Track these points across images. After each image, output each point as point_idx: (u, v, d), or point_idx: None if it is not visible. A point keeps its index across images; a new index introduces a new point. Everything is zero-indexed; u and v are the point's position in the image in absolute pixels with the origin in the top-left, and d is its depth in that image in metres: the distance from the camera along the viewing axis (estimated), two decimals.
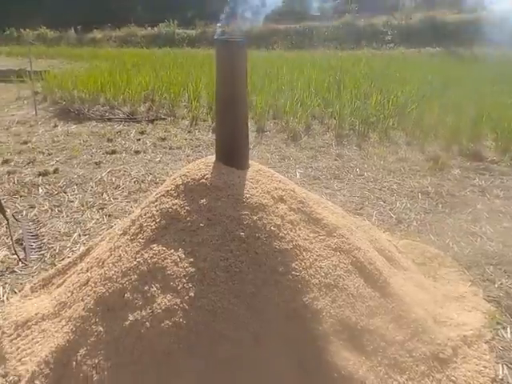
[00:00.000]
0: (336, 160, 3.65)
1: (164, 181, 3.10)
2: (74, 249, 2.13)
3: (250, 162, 1.54)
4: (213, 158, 1.54)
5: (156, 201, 1.50)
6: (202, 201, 1.38)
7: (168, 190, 1.49)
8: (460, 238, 2.27)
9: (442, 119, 4.50)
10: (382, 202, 2.76)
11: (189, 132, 4.67)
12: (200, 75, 7.08)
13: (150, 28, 19.82)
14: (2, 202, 2.13)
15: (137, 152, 3.86)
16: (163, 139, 4.32)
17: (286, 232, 1.33)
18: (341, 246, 1.45)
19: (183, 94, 6.12)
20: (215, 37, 1.33)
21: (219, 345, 1.14)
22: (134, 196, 2.83)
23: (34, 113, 5.34)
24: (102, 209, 2.62)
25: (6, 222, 2.19)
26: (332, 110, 5.11)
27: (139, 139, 4.32)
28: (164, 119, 5.18)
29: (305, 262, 1.30)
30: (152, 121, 5.08)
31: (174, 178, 1.53)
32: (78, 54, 14.74)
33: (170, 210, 1.41)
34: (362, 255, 1.49)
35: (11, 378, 1.30)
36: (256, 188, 1.42)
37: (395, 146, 4.06)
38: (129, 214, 2.53)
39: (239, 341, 1.14)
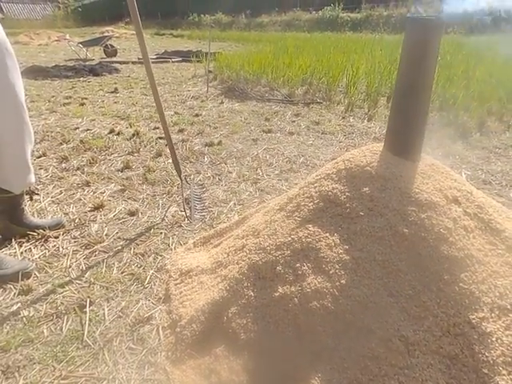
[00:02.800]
0: None
1: (315, 164, 3.13)
2: (230, 215, 2.33)
3: (422, 155, 1.41)
4: (380, 145, 1.45)
5: (315, 182, 1.50)
6: (365, 189, 1.33)
7: (329, 174, 1.48)
8: None
9: None
10: None
11: (343, 118, 4.58)
12: (360, 61, 6.82)
13: (314, 12, 19.94)
14: (179, 163, 2.46)
15: (291, 133, 3.97)
16: (317, 123, 4.33)
17: (457, 238, 1.18)
18: None
19: (341, 79, 6.01)
20: (408, 15, 1.22)
21: (366, 339, 1.09)
22: (285, 175, 2.92)
23: (205, 89, 5.98)
24: (256, 183, 2.79)
25: (179, 182, 2.53)
26: None
27: (294, 121, 4.43)
28: (319, 103, 5.19)
29: (476, 276, 1.14)
30: (308, 104, 5.14)
31: (337, 162, 1.50)
32: (245, 37, 15.85)
33: (330, 193, 1.40)
34: None
35: (174, 316, 1.51)
36: (427, 184, 1.29)
37: None
38: (279, 191, 2.64)
39: (387, 342, 1.08)
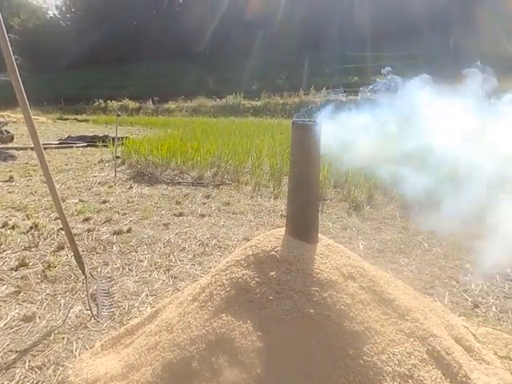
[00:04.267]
0: (401, 233, 3.53)
1: (227, 245, 3.19)
2: (141, 309, 2.22)
3: (319, 236, 1.56)
4: (282, 230, 1.59)
5: (226, 269, 1.55)
6: (272, 273, 1.41)
7: (238, 260, 1.54)
8: None
9: None
10: (454, 282, 2.58)
11: (251, 197, 4.84)
12: (263, 143, 7.46)
13: (218, 100, 21.62)
14: (81, 257, 2.32)
15: (202, 215, 4.05)
16: (227, 204, 4.50)
17: (356, 312, 1.30)
18: (415, 332, 1.37)
19: (247, 161, 6.44)
20: (292, 120, 1.44)
21: None
22: (198, 259, 2.92)
23: (113, 175, 5.89)
24: (169, 270, 2.72)
25: (83, 277, 2.37)
26: (395, 181, 5.05)
27: (205, 203, 4.54)
28: (228, 184, 5.44)
29: (376, 347, 1.24)
30: (217, 186, 5.35)
31: (245, 248, 1.58)
32: (153, 121, 16.32)
33: (240, 280, 1.45)
34: (439, 343, 1.39)
35: None
36: (325, 263, 1.43)
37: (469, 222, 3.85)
38: (193, 276, 2.61)
39: None
